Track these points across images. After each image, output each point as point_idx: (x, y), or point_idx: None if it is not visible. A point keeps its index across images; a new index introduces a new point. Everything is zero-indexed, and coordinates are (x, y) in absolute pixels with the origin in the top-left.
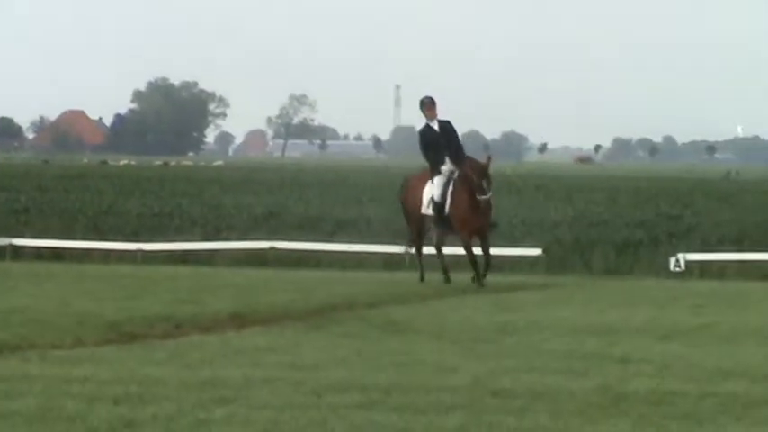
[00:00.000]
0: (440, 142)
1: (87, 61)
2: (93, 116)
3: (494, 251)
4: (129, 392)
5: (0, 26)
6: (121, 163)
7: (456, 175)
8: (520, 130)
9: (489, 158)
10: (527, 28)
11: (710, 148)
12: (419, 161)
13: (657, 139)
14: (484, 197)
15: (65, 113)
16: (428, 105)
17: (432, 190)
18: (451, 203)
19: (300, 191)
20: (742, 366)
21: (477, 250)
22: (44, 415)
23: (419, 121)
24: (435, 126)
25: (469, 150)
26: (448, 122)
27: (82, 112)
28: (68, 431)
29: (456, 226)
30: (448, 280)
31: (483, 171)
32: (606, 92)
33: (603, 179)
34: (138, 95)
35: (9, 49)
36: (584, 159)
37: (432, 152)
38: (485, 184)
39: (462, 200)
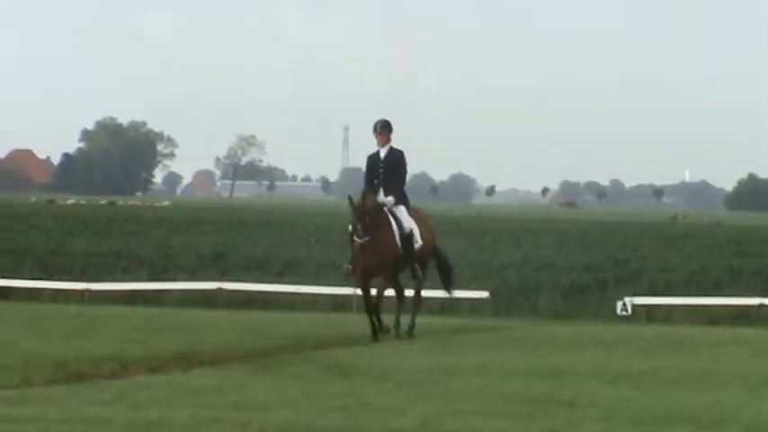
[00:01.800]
0: (378, 172)
1: (35, 100)
2: (41, 155)
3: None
4: None
5: None
6: (69, 202)
7: None
8: (468, 173)
9: (366, 197)
10: (476, 71)
11: (658, 191)
12: None
13: (605, 182)
14: (359, 240)
15: (12, 152)
16: (379, 131)
17: None
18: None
19: (248, 231)
20: (688, 411)
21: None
22: None
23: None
24: (383, 153)
25: (417, 192)
26: (399, 153)
27: (30, 152)
28: None
29: None
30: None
31: (359, 212)
32: (554, 135)
33: (551, 222)
34: (86, 135)
35: None
36: (569, 203)
37: (367, 184)
38: (360, 228)
39: (354, 239)
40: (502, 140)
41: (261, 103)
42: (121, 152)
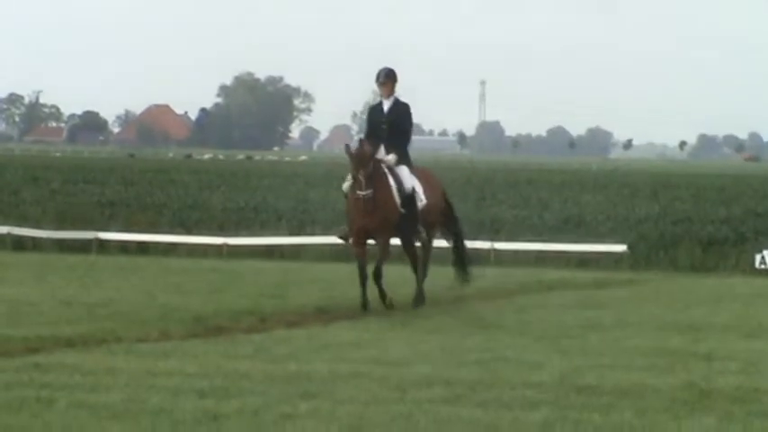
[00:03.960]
0: (381, 126)
1: (173, 55)
2: (179, 110)
3: (542, 247)
4: (215, 386)
5: (83, 19)
6: (206, 157)
7: None
8: (605, 126)
9: (364, 144)
10: (614, 24)
11: None
12: (504, 157)
13: (743, 135)
14: (361, 193)
15: (150, 107)
16: (381, 81)
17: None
18: None
19: None
20: None
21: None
22: (129, 408)
23: (504, 117)
24: (386, 106)
25: (554, 146)
26: (405, 106)
27: (167, 107)
28: (154, 424)
29: None
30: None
31: (359, 160)
32: (691, 88)
33: (689, 176)
34: (223, 90)
35: (94, 43)
36: (753, 158)
37: (368, 136)
38: (361, 177)
39: (351, 195)
40: (639, 94)
41: (397, 57)
42: (259, 107)
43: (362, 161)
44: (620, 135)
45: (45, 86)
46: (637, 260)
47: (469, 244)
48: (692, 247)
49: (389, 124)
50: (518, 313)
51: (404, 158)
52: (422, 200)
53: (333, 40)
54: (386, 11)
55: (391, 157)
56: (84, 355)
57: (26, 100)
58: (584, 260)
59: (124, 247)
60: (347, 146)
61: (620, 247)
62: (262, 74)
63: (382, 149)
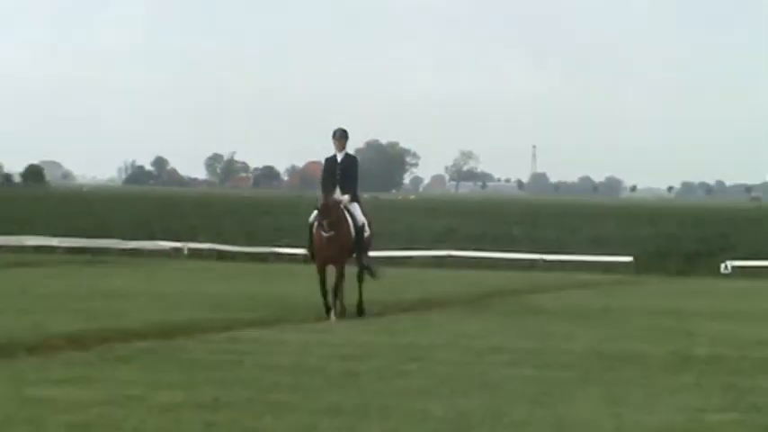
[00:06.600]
0: (335, 175)
1: (324, 124)
2: None
3: (574, 258)
4: (353, 353)
5: (262, 95)
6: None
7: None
8: (617, 175)
9: (329, 197)
10: (625, 94)
11: (748, 188)
12: (548, 197)
13: (712, 182)
14: (325, 234)
15: (309, 162)
16: (338, 138)
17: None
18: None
19: (470, 216)
20: None
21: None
22: (295, 367)
23: (552, 170)
24: (339, 158)
25: (582, 189)
26: (354, 158)
27: (320, 162)
28: (312, 378)
29: None
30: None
31: (326, 209)
32: (677, 142)
33: (676, 209)
34: (358, 152)
35: (274, 115)
36: (756, 198)
37: (325, 182)
38: (325, 224)
39: (317, 232)
40: (642, 148)
41: (478, 125)
42: (381, 163)
43: (327, 212)
44: (628, 182)
45: (238, 148)
46: (639, 267)
47: (522, 256)
48: (678, 258)
49: (342, 172)
50: (559, 301)
51: (355, 197)
52: (367, 231)
53: (433, 112)
54: (469, 85)
55: (346, 198)
56: (263, 331)
57: (224, 158)
58: (604, 267)
59: (293, 259)
60: (318, 199)
61: (628, 258)
62: (384, 139)
63: (338, 190)
